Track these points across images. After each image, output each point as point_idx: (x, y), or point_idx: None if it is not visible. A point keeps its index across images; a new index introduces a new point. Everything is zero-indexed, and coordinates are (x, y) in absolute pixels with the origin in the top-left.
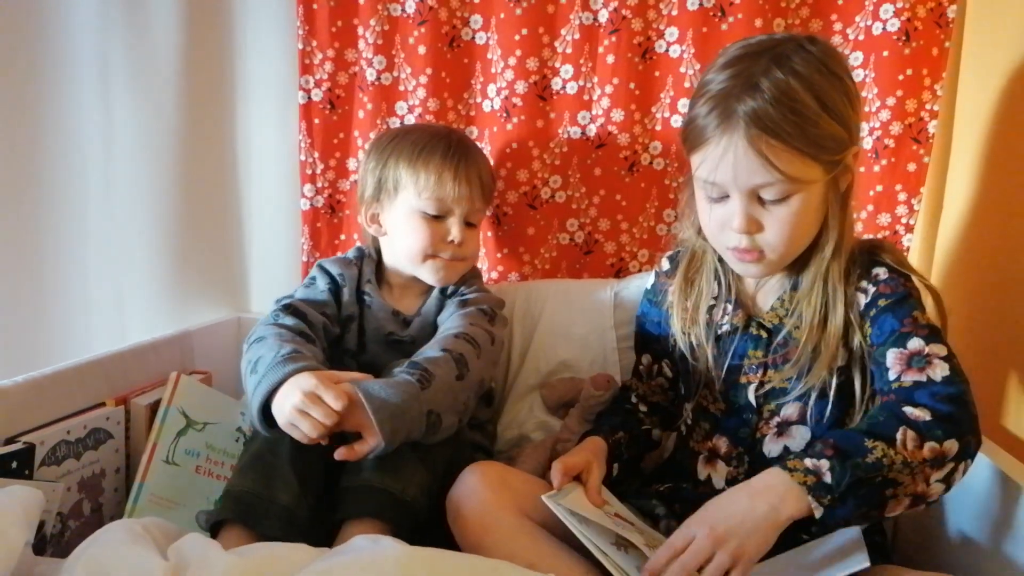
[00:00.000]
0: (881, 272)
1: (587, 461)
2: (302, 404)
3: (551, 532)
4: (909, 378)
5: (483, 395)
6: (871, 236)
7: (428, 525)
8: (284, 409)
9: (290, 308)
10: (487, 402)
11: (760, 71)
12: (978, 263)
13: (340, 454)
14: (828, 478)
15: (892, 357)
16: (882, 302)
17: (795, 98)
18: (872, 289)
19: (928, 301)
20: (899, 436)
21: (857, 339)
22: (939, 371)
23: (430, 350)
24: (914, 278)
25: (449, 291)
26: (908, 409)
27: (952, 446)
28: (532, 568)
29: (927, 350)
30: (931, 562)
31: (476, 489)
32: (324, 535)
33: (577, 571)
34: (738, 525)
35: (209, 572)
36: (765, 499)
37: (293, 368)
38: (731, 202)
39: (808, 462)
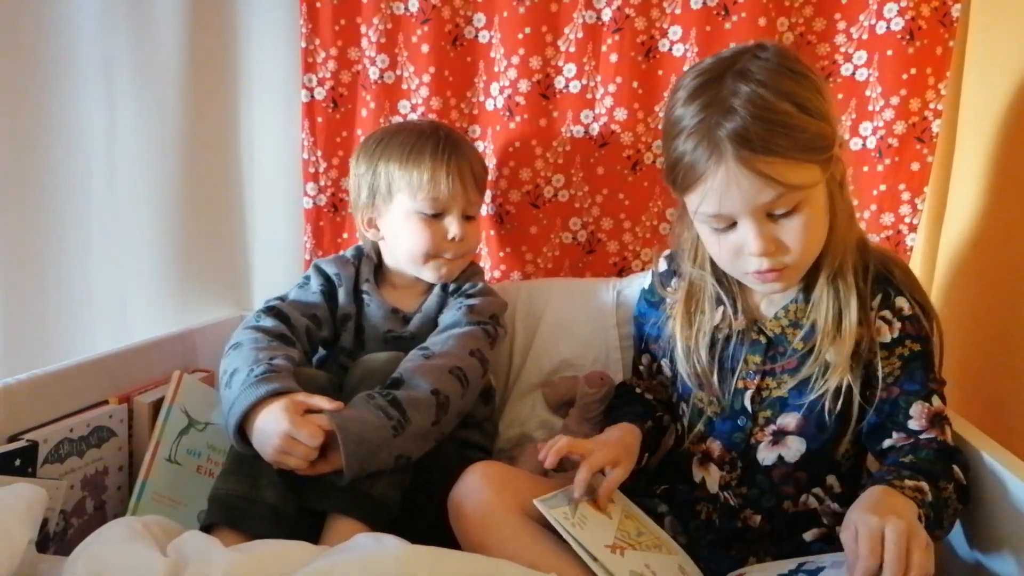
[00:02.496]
0: (905, 306)
1: (616, 458)
2: (282, 447)
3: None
4: (934, 436)
5: (480, 392)
6: (876, 241)
7: (429, 523)
8: (266, 450)
9: (272, 310)
10: (485, 400)
11: (729, 92)
12: (982, 262)
13: (302, 473)
14: (931, 498)
15: (919, 410)
16: (911, 344)
17: (773, 108)
18: (897, 325)
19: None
20: (952, 487)
21: (873, 363)
22: (949, 436)
23: (421, 379)
24: (924, 305)
25: (451, 288)
26: (956, 468)
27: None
28: (534, 568)
29: (944, 412)
30: (939, 565)
31: (478, 488)
32: (311, 530)
33: (578, 572)
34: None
35: (210, 569)
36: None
37: (265, 392)
38: (741, 228)
39: (909, 483)
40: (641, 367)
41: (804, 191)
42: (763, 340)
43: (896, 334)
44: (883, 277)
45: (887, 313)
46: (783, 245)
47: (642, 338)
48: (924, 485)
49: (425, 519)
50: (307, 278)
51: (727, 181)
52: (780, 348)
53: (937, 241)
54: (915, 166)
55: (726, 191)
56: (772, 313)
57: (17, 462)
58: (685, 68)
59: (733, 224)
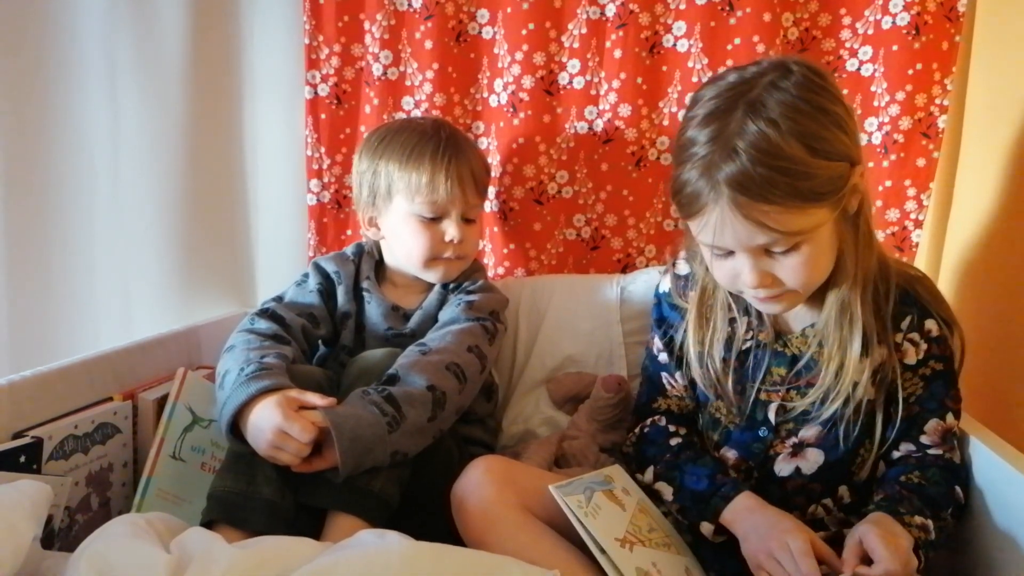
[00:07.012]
0: (933, 328)
1: (810, 541)
2: (275, 442)
3: (555, 528)
4: (941, 453)
5: (482, 389)
6: (908, 266)
7: (429, 519)
8: (259, 445)
9: (267, 312)
10: (487, 396)
11: (736, 130)
12: (987, 258)
13: (297, 469)
14: (933, 536)
15: (933, 426)
16: (934, 364)
17: (779, 154)
18: (924, 346)
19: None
20: (949, 513)
21: (892, 379)
22: (957, 456)
23: (416, 375)
24: (950, 322)
25: (452, 285)
26: (958, 489)
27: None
28: (535, 564)
29: (956, 429)
30: (947, 566)
31: (480, 484)
32: (310, 526)
33: (579, 568)
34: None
35: (213, 566)
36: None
37: (256, 389)
38: (738, 258)
39: (917, 519)
40: (669, 377)
41: (805, 234)
42: (788, 353)
43: (922, 355)
44: (910, 299)
45: (915, 335)
46: (779, 279)
47: (671, 342)
48: (929, 524)
49: (425, 515)
50: (305, 276)
51: (722, 221)
52: (804, 363)
53: (943, 237)
54: (921, 162)
55: (721, 230)
56: (799, 329)
57: (22, 459)
58: (689, 64)
59: (732, 252)
